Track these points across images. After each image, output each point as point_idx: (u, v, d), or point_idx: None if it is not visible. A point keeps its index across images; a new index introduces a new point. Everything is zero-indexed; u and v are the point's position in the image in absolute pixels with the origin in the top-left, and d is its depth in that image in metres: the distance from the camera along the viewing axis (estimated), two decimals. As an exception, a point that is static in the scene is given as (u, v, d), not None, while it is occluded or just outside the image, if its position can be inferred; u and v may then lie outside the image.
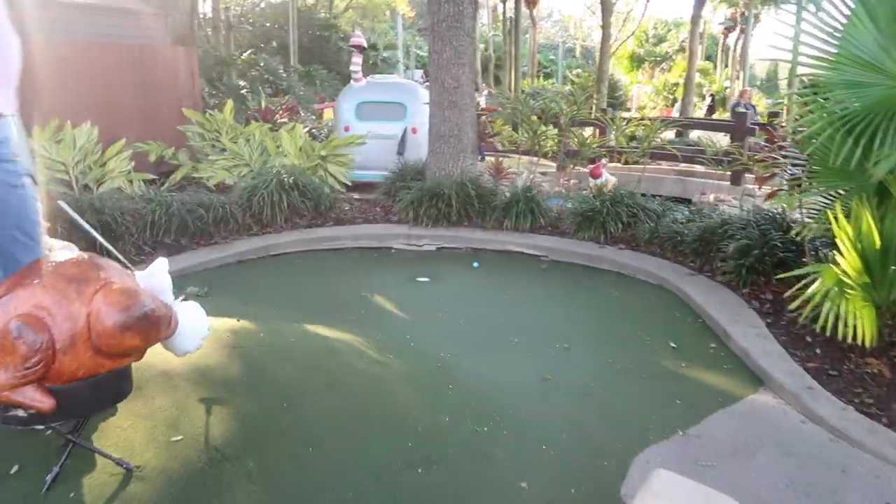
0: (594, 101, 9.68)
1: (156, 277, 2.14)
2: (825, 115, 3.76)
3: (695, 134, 15.63)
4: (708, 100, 22.74)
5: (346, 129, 8.85)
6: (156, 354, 2.58)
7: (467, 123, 7.09)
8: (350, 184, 7.85)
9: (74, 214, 2.60)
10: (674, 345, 4.07)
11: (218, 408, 2.53)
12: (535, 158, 8.50)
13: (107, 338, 1.78)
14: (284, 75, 12.33)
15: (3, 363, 1.75)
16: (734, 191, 9.73)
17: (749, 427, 3.09)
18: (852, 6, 3.65)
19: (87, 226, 2.61)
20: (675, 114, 22.73)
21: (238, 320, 3.69)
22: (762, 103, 19.67)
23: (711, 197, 9.35)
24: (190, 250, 5.80)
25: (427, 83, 9.86)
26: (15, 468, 2.11)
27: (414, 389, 3.19)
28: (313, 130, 11.08)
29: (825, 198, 4.28)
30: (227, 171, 7.36)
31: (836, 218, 3.48)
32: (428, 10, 7.07)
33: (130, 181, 6.80)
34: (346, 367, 3.14)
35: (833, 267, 3.49)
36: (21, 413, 1.85)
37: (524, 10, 24.93)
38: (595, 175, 8.44)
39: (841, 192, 4.04)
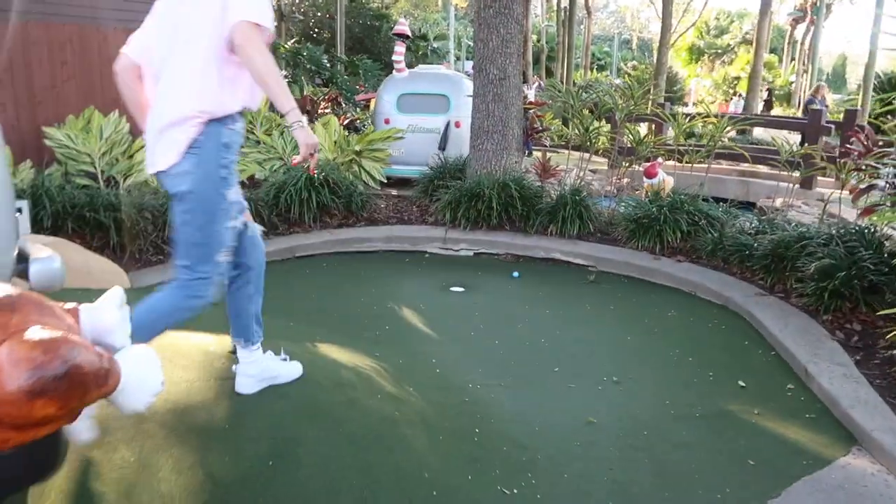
0: (650, 96, 8.97)
1: (101, 314, 1.71)
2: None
3: (758, 132, 14.67)
4: (764, 94, 21.43)
5: (386, 122, 8.43)
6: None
7: (513, 118, 6.56)
8: (386, 180, 7.41)
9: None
10: (743, 384, 3.48)
11: (188, 469, 2.10)
12: (586, 155, 7.90)
13: (9, 406, 1.36)
14: (329, 65, 11.97)
15: None
16: (805, 195, 8.92)
17: None
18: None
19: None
20: (732, 109, 21.58)
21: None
22: (829, 99, 18.44)
23: (779, 202, 8.56)
24: (212, 250, 5.45)
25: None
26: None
27: (433, 435, 2.71)
28: (356, 122, 10.71)
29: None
30: (259, 165, 7.02)
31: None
32: (473, -5, 6.55)
33: (158, 174, 6.51)
34: (354, 407, 2.69)
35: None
36: None
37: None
38: (650, 175, 7.78)
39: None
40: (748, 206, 9.25)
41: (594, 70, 32.33)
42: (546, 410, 3.17)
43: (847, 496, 2.54)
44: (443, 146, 8.29)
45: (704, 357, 3.82)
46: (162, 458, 2.13)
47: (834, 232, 4.56)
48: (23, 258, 2.52)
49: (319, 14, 27.44)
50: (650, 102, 10.86)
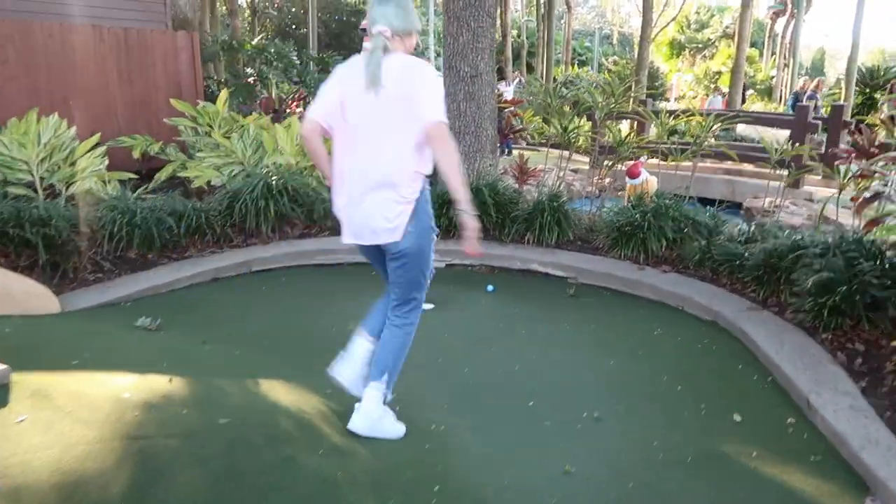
0: (632, 93, 8.62)
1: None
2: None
3: (741, 127, 14.37)
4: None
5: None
6: (17, 451, 1.76)
7: (486, 118, 6.16)
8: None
9: None
10: (739, 418, 3.11)
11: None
12: (566, 153, 7.52)
13: None
14: (298, 63, 11.49)
15: None
16: (792, 194, 8.62)
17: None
18: None
19: None
20: (708, 105, 21.28)
21: (170, 380, 2.86)
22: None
23: (766, 201, 8.26)
24: (159, 266, 5.00)
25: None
26: None
27: (383, 498, 2.31)
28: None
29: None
30: (217, 171, 6.55)
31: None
32: (443, -13, 6.15)
33: (105, 181, 6.03)
34: (289, 469, 2.27)
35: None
36: None
37: (559, -6, 23.74)
38: (633, 175, 7.42)
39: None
40: (734, 206, 8.95)
41: (575, 65, 32.02)
42: (518, 457, 2.78)
43: (866, 565, 2.17)
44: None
45: (694, 385, 3.45)
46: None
47: (831, 241, 4.22)
48: None
49: (294, 10, 26.76)
50: (632, 99, 10.53)
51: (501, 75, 21.26)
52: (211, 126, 7.12)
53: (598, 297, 4.82)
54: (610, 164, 6.65)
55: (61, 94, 7.55)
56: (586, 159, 8.85)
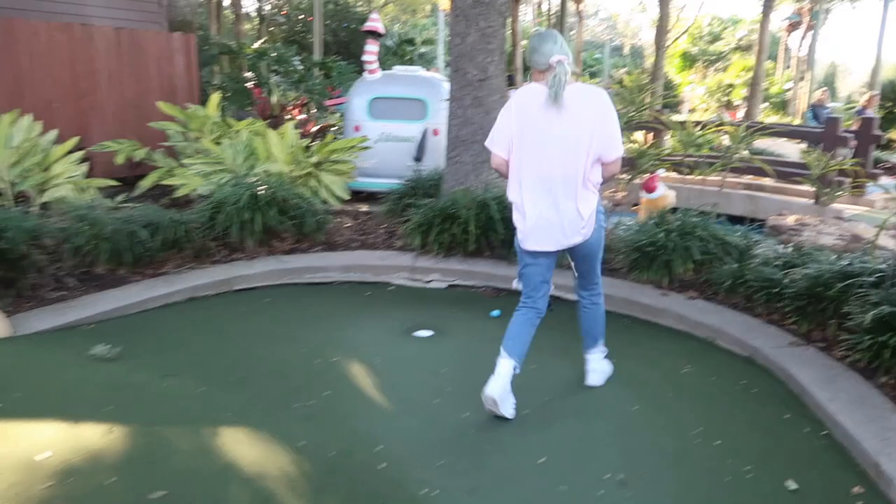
0: (648, 102, 8.13)
1: None
2: None
3: (757, 143, 13.85)
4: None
5: (356, 129, 7.55)
6: None
7: (495, 126, 5.66)
8: (349, 197, 6.50)
9: None
10: (794, 485, 2.58)
11: None
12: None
13: None
14: (300, 67, 11.07)
15: None
16: (819, 211, 8.07)
17: None
18: None
19: None
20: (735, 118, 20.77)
21: (110, 430, 2.37)
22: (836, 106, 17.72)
23: (791, 219, 7.72)
24: (130, 283, 4.53)
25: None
26: None
27: None
28: (330, 129, 9.85)
29: None
30: (204, 179, 6.09)
31: None
32: (449, -16, 5.67)
33: (82, 189, 5.58)
34: (232, 565, 1.77)
35: None
36: None
37: (570, 5, 23.34)
38: (649, 189, 6.91)
39: None
40: (758, 223, 8.40)
41: (586, 76, 31.58)
42: (527, 536, 2.27)
43: None
44: (419, 157, 7.43)
45: (735, 438, 2.93)
46: None
47: (885, 268, 3.70)
48: None
49: (303, 17, 26.53)
50: (647, 111, 10.04)
51: (511, 83, 20.81)
52: (200, 131, 6.67)
53: (618, 327, 4.29)
54: (629, 177, 6.14)
55: (45, 95, 7.14)
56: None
